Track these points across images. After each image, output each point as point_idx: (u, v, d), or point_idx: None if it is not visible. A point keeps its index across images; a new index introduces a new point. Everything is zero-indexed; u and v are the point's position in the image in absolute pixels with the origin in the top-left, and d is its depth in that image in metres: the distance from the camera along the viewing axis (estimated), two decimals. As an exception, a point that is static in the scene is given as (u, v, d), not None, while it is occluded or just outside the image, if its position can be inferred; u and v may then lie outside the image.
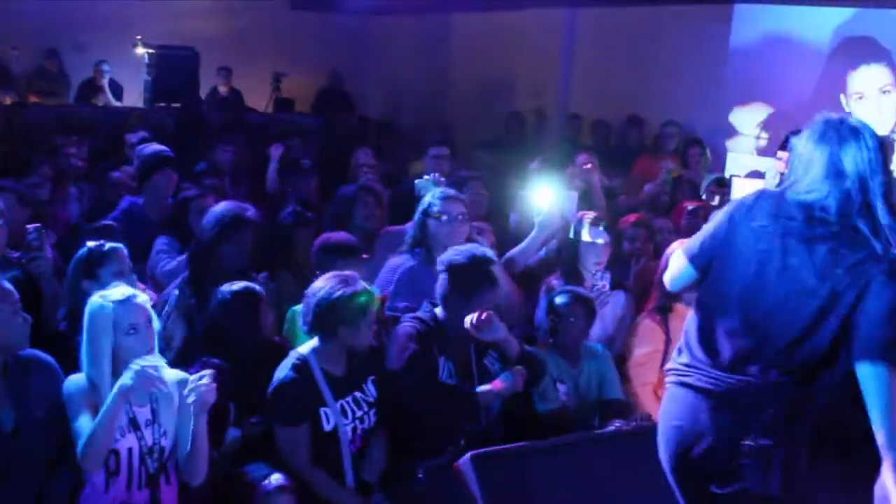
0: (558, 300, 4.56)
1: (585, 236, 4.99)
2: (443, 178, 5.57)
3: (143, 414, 3.49)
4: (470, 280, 4.05)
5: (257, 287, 4.17)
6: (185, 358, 3.95)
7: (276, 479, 3.61)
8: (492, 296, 4.08)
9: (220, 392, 3.88)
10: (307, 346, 3.85)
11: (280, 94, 12.29)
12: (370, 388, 3.93)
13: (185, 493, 3.61)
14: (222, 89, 12.14)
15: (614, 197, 7.36)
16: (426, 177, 5.56)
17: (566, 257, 5.04)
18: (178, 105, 10.66)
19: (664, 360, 4.58)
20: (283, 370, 3.78)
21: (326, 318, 3.74)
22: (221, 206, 4.72)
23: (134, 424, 3.46)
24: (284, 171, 7.36)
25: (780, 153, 7.90)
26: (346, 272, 3.92)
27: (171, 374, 3.58)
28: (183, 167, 6.26)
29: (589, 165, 6.83)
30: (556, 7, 11.65)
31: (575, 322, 4.51)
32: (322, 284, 3.80)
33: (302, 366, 3.76)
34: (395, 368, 4.00)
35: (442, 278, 4.13)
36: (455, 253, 4.14)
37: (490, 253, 4.21)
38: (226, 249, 4.51)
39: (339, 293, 3.73)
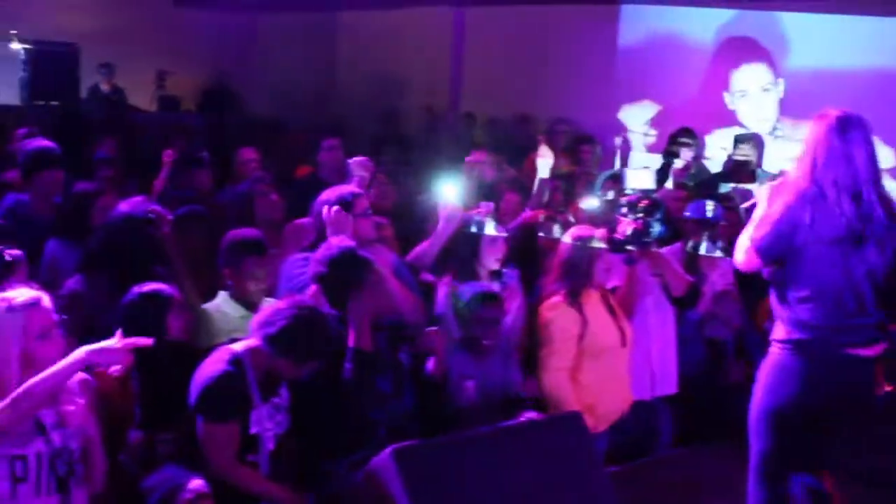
0: (475, 301, 4.52)
1: (489, 230, 5.00)
2: (369, 163, 5.68)
3: (49, 416, 3.35)
4: (344, 277, 4.06)
5: (167, 290, 4.06)
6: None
7: (194, 486, 3.48)
8: (373, 282, 4.10)
9: (125, 393, 3.79)
10: (242, 344, 3.74)
11: (164, 93, 12.03)
12: (284, 393, 3.87)
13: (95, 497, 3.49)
14: (104, 87, 11.78)
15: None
16: (357, 158, 5.64)
17: (464, 253, 5.03)
18: (56, 103, 10.32)
19: (579, 343, 4.71)
20: (217, 365, 3.67)
21: (292, 345, 3.66)
22: (127, 206, 4.60)
23: (39, 428, 3.32)
24: (175, 166, 7.19)
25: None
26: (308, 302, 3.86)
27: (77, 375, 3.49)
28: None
29: (480, 158, 6.94)
30: (444, 6, 11.71)
31: (491, 323, 4.51)
32: (307, 313, 3.71)
33: (238, 363, 3.67)
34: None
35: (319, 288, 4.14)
36: (317, 262, 4.16)
37: (345, 242, 4.21)
38: (135, 248, 4.42)
39: (316, 334, 3.69)
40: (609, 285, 5.11)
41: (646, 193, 5.16)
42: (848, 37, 8.73)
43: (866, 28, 8.67)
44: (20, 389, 3.17)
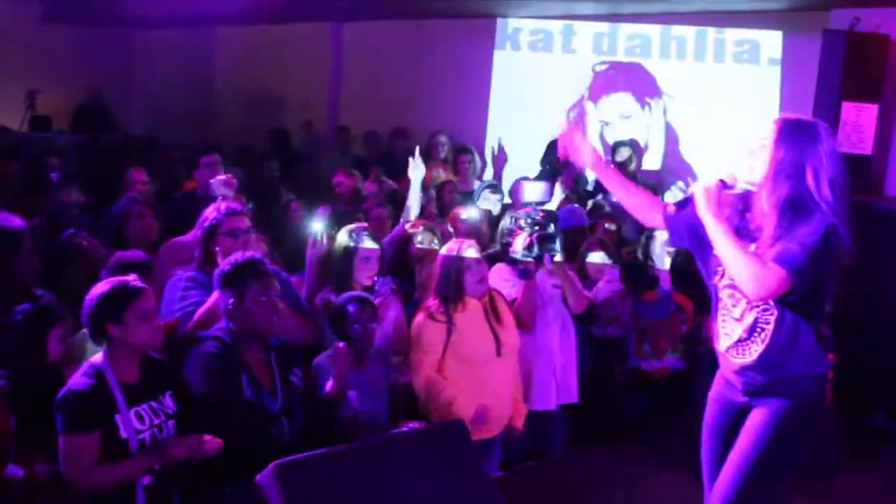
0: (350, 308, 4.58)
1: (367, 244, 5.06)
2: (234, 180, 5.59)
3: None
4: (240, 281, 4.06)
5: (52, 308, 4.07)
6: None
7: None
8: (265, 290, 4.08)
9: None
10: (99, 355, 3.73)
11: (35, 112, 11.69)
12: (167, 401, 3.82)
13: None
14: (-30, 108, 11.42)
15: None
16: (219, 177, 5.51)
17: (338, 269, 5.07)
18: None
19: (445, 350, 4.81)
20: (74, 378, 3.65)
21: (96, 319, 3.68)
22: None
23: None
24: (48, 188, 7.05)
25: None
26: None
27: None
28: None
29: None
30: (321, 21, 11.69)
31: (364, 328, 4.55)
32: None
33: (95, 373, 3.64)
34: (199, 393, 3.90)
35: (217, 293, 4.14)
36: (225, 262, 4.17)
37: (252, 253, 4.21)
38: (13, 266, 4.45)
39: (100, 292, 3.70)
40: (509, 297, 5.19)
41: (542, 207, 5.22)
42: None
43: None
44: None
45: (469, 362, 4.83)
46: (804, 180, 3.33)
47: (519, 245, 4.91)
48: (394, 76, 10.70)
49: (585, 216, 6.08)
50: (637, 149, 8.74)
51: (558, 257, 5.15)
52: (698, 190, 3.47)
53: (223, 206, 4.82)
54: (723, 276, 3.55)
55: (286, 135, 11.18)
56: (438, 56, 10.43)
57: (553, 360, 5.48)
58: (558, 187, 7.55)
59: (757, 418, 3.50)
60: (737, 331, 3.53)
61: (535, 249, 4.83)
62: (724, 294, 3.57)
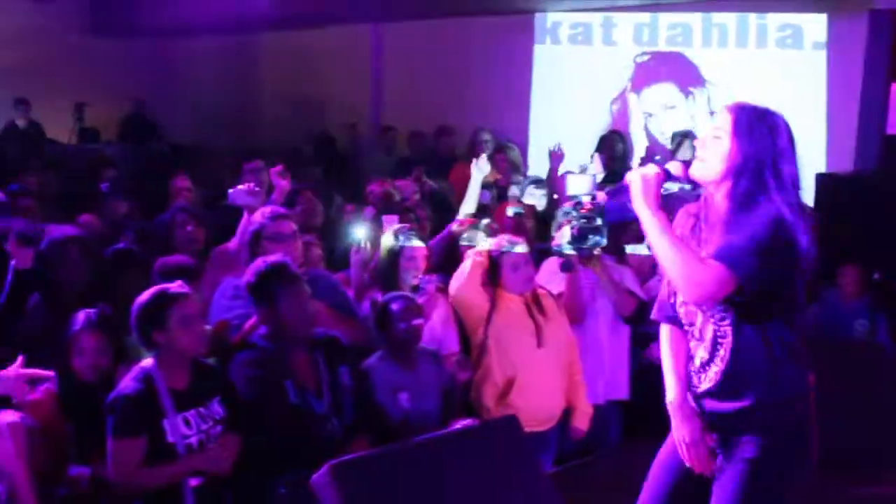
0: (393, 307, 4.58)
1: (413, 243, 5.08)
2: (258, 189, 5.53)
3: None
4: (268, 288, 4.07)
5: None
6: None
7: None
8: (297, 297, 4.09)
9: (54, 419, 3.77)
10: (150, 360, 3.80)
11: (84, 124, 11.87)
12: (215, 407, 3.87)
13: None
14: (20, 122, 11.58)
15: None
16: (240, 187, 5.48)
17: (384, 269, 5.08)
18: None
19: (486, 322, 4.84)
20: (125, 382, 3.73)
21: (142, 327, 3.75)
22: (49, 235, 4.66)
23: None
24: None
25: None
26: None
27: (7, 417, 3.45)
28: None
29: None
30: (360, 23, 11.74)
31: (409, 327, 4.55)
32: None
33: (144, 378, 3.71)
34: (246, 400, 3.96)
35: (250, 299, 4.16)
36: (250, 271, 4.19)
37: (280, 258, 4.22)
38: (62, 273, 4.52)
39: (143, 300, 3.77)
40: (555, 291, 5.17)
41: (588, 199, 5.17)
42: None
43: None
44: None
45: (508, 351, 4.81)
46: (763, 177, 2.92)
47: (562, 238, 4.89)
48: (435, 75, 10.71)
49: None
50: (693, 138, 8.65)
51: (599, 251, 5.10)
52: (635, 178, 3.07)
53: (268, 210, 4.85)
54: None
55: (331, 139, 11.24)
56: (479, 53, 10.42)
57: (601, 354, 5.43)
58: (593, 170, 7.52)
59: (733, 467, 3.09)
60: (700, 351, 3.15)
61: (577, 242, 4.80)
62: (679, 311, 3.23)
